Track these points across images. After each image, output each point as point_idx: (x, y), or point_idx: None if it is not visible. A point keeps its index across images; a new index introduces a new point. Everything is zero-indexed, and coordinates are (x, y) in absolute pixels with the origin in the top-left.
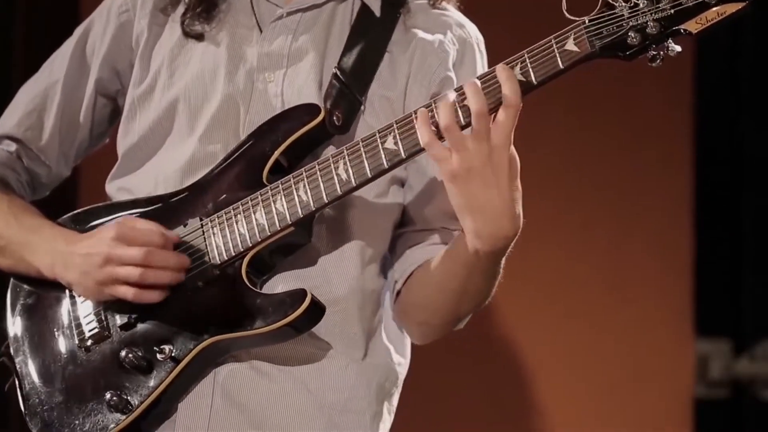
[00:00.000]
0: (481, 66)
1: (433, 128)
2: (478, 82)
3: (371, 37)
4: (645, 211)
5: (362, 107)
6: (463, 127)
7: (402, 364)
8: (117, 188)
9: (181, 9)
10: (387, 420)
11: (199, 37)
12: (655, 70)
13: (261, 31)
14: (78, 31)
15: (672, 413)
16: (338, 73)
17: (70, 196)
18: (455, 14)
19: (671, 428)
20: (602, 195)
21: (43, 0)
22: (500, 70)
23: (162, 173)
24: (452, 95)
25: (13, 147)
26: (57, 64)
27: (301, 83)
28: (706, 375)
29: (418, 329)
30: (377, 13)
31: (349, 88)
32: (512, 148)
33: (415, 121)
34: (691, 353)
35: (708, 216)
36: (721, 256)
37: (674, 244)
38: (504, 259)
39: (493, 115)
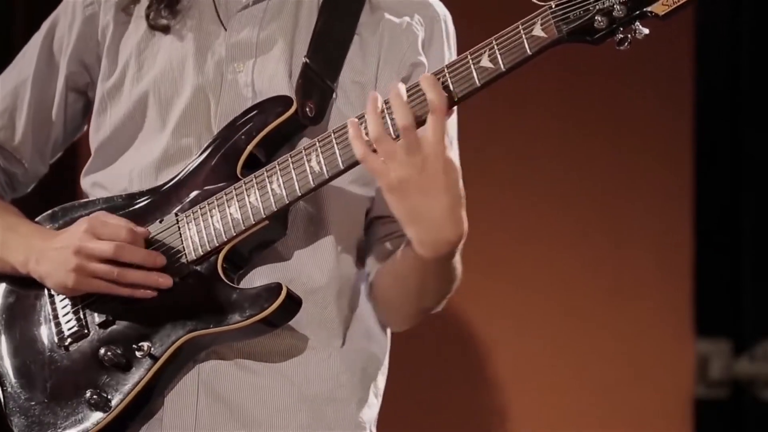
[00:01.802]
0: (448, 44)
1: (367, 139)
2: (404, 94)
3: (339, 20)
4: (645, 211)
5: (334, 95)
6: (397, 137)
7: (383, 344)
8: (91, 183)
9: (145, 2)
10: (374, 404)
11: (165, 29)
12: (655, 70)
13: (223, 23)
14: (44, 27)
15: (672, 413)
16: (308, 61)
17: (69, 194)
18: None
19: (671, 428)
20: (602, 195)
21: (43, 0)
22: (423, 79)
23: (136, 168)
24: (380, 105)
25: None
26: (25, 62)
27: (272, 72)
28: (706, 375)
29: (388, 319)
30: None
31: (320, 77)
32: (449, 154)
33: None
34: (691, 353)
35: (708, 216)
36: (721, 256)
37: (674, 245)
38: (458, 260)
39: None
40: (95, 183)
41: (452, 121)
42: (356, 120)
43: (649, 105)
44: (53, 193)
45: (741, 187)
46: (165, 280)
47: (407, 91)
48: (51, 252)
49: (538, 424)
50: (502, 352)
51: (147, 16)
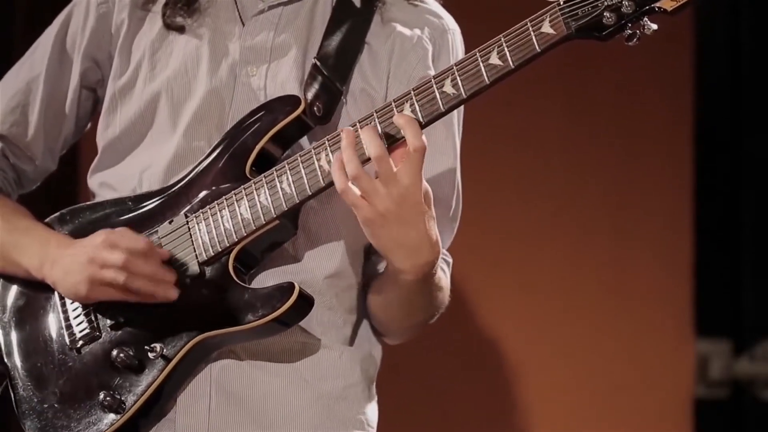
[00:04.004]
0: (455, 58)
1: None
2: (377, 121)
3: (350, 27)
4: (645, 211)
5: (344, 99)
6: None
7: (379, 349)
8: (99, 183)
9: (161, 1)
10: (375, 406)
11: (180, 29)
12: (655, 70)
13: (243, 25)
14: (57, 23)
15: (672, 413)
16: (318, 63)
17: (71, 196)
18: (432, 5)
19: (671, 428)
20: (603, 196)
21: (43, 0)
22: (397, 117)
23: (147, 169)
24: (352, 139)
25: None
26: (37, 58)
27: (284, 78)
28: (706, 375)
29: (384, 334)
30: (357, 3)
31: (329, 79)
32: (424, 183)
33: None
34: (691, 353)
35: (708, 216)
36: (721, 256)
37: (674, 245)
38: (442, 276)
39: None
40: (103, 183)
41: (459, 110)
42: (340, 155)
43: (649, 105)
44: (55, 188)
45: (741, 186)
46: (172, 293)
47: (377, 113)
48: (65, 258)
49: (539, 423)
50: (501, 352)
51: (163, 15)
